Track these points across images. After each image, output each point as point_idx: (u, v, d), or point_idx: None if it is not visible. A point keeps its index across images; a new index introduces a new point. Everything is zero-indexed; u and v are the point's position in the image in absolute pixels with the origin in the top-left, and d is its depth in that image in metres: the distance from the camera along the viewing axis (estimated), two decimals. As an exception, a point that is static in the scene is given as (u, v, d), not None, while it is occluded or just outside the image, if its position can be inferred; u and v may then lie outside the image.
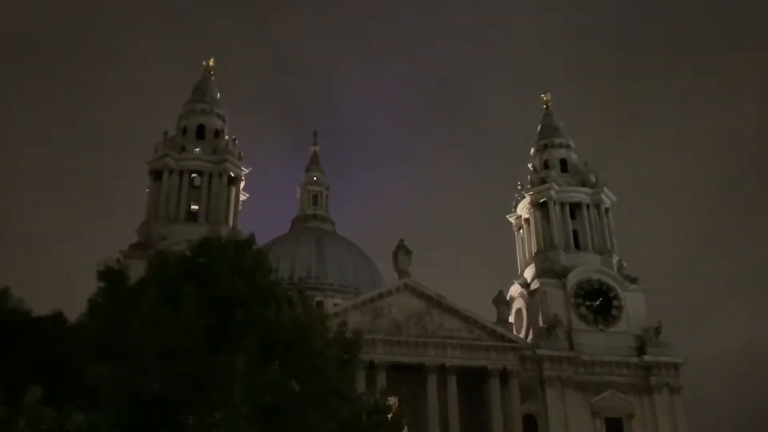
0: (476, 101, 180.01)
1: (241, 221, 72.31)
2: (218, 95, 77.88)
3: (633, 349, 67.74)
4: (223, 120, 76.04)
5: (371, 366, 60.57)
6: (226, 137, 74.74)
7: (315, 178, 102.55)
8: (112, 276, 22.64)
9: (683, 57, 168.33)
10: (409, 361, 62.07)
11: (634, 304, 70.30)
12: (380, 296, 63.98)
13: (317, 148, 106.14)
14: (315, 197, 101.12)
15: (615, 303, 69.92)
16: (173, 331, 20.34)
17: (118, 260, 23.17)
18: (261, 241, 27.83)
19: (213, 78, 79.04)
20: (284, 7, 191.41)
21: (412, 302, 64.21)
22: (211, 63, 79.52)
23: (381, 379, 60.60)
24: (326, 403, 21.74)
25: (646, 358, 66.81)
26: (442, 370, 62.32)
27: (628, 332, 68.77)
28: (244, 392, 19.73)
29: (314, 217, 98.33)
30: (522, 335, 69.40)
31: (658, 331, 68.73)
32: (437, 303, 64.40)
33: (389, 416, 26.32)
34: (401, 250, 65.78)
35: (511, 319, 69.55)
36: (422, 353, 62.55)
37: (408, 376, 62.65)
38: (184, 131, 74.14)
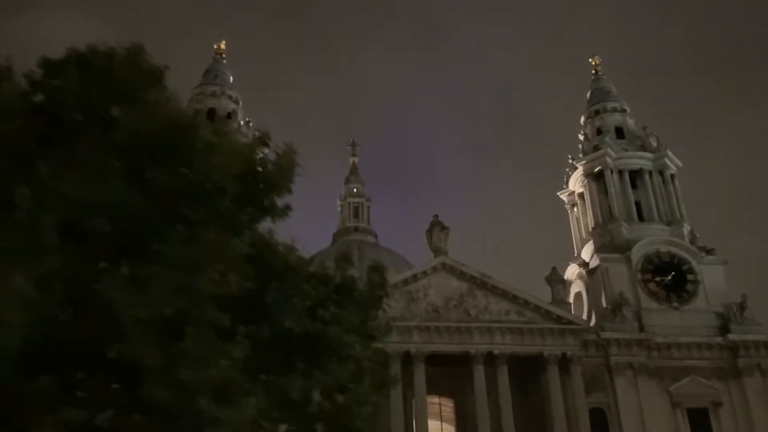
0: (530, 111, 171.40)
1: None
2: (231, 78, 71.51)
3: (714, 329, 57.92)
4: (237, 102, 69.60)
5: (407, 357, 52.67)
6: (240, 121, 68.04)
7: (355, 190, 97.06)
8: None
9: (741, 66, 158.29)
10: (451, 350, 53.66)
11: (712, 278, 60.42)
12: (414, 278, 55.77)
13: (356, 159, 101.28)
14: (356, 209, 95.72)
15: (689, 277, 60.13)
16: None
17: None
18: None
19: (225, 60, 72.79)
20: (329, 8, 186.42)
21: (451, 284, 55.83)
22: (222, 46, 73.54)
23: (419, 372, 52.46)
24: (207, 229, 13.22)
25: (732, 337, 56.87)
26: (491, 359, 53.48)
27: (707, 309, 58.90)
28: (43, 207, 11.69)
29: (356, 229, 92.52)
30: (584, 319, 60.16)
31: (742, 306, 58.72)
32: (481, 283, 55.84)
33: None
34: (436, 226, 57.65)
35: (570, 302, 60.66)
36: (466, 340, 53.92)
37: (451, 371, 54.31)
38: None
